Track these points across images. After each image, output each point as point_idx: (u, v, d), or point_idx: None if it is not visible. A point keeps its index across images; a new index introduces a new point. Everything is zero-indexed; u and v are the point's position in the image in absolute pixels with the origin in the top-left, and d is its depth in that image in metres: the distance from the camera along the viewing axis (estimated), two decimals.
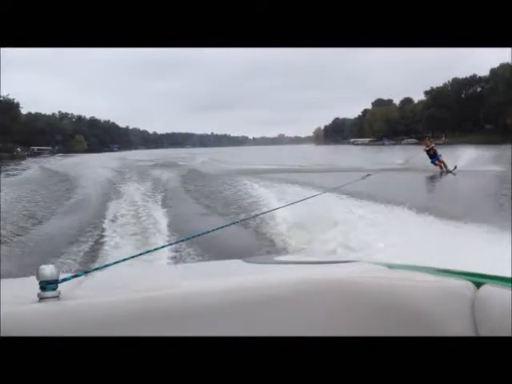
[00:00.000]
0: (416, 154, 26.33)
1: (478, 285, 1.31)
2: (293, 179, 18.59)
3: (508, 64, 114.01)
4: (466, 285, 1.33)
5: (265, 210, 11.55)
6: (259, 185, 16.82)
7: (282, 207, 7.30)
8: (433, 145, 22.94)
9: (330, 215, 8.65)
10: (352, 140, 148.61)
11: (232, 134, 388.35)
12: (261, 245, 8.27)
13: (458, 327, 1.27)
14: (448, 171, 21.36)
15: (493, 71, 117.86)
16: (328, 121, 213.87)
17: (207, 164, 36.46)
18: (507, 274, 1.37)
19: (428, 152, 22.60)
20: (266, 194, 14.06)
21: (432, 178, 20.33)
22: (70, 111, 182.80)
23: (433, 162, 22.31)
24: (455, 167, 21.33)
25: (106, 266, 1.70)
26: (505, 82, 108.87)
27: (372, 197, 11.34)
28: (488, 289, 1.27)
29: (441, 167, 21.89)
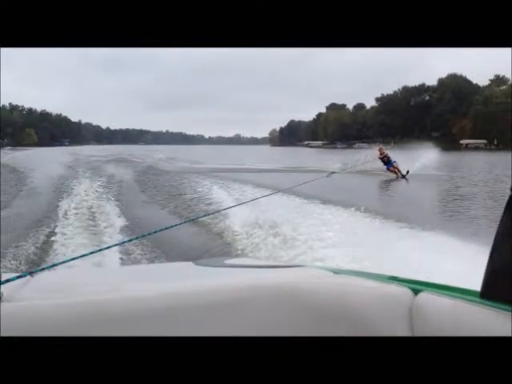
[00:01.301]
0: (359, 159, 27.61)
1: (417, 292, 1.34)
2: (241, 178, 19.63)
3: (455, 75, 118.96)
4: (404, 291, 1.37)
5: (208, 204, 12.51)
6: (208, 181, 17.87)
7: (235, 206, 7.56)
8: (386, 152, 24.09)
9: (278, 216, 8.93)
10: (306, 142, 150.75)
11: (188, 133, 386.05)
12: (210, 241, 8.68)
13: (395, 332, 1.32)
14: (403, 176, 22.58)
15: (440, 81, 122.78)
16: (284, 123, 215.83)
17: (165, 162, 36.80)
18: (445, 280, 1.46)
19: (382, 159, 23.79)
20: (213, 191, 14.98)
21: (380, 182, 21.51)
22: (20, 103, 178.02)
23: (388, 169, 23.44)
24: (407, 172, 22.69)
25: (54, 265, 1.70)
26: (451, 92, 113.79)
27: (319, 198, 11.93)
28: (425, 296, 1.31)
29: (395, 173, 23.00)
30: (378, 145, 25.39)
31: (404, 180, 22.06)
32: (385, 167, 23.64)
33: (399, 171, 22.90)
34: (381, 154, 23.92)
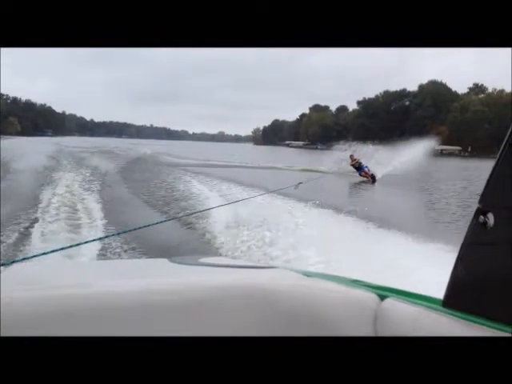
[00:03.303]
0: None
1: (383, 297, 1.40)
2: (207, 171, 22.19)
3: (435, 81, 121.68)
4: (371, 297, 1.42)
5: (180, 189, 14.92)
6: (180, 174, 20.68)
7: (220, 206, 7.87)
8: (357, 159, 26.33)
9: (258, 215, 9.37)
10: (287, 142, 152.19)
11: (172, 128, 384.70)
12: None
13: (359, 335, 1.36)
14: (373, 179, 24.85)
15: (421, 87, 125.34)
16: (268, 122, 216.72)
17: (152, 156, 38.80)
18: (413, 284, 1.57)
19: (353, 166, 26.09)
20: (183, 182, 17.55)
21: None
22: (4, 92, 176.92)
23: (360, 174, 25.67)
24: (373, 177, 25.03)
25: (26, 258, 1.73)
26: (430, 98, 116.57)
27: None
28: (390, 302, 1.36)
29: (367, 177, 25.25)
30: (352, 156, 27.35)
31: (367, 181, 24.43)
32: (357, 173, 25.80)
33: (369, 176, 25.05)
34: (352, 161, 26.11)
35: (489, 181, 1.11)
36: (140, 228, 2.65)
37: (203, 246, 8.51)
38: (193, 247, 8.41)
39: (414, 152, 30.44)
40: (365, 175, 25.34)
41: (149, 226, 2.76)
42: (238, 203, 8.41)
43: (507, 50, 1.22)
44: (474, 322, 1.11)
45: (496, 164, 1.09)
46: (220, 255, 7.35)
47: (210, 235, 9.03)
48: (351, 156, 26.95)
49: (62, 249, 1.95)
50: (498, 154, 1.09)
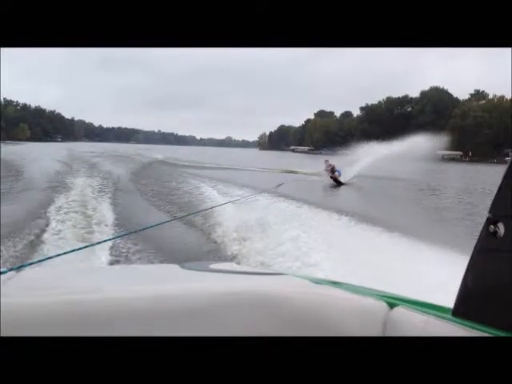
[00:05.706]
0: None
1: (392, 306, 1.39)
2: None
3: (437, 88, 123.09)
4: (380, 305, 1.42)
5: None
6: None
7: (215, 207, 8.21)
8: (332, 165, 28.57)
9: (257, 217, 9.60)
10: (292, 147, 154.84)
11: (179, 133, 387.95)
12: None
13: None
14: (340, 183, 27.42)
15: (423, 93, 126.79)
16: (274, 127, 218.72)
17: (164, 162, 40.67)
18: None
19: (327, 170, 28.66)
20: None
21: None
22: (15, 98, 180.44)
23: (332, 178, 28.27)
24: (337, 181, 27.68)
25: (39, 261, 1.78)
26: (432, 104, 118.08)
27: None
28: (400, 311, 1.36)
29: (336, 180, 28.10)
30: (326, 161, 29.50)
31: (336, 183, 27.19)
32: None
33: (338, 180, 27.70)
34: (328, 167, 28.62)
35: (499, 190, 1.09)
36: (147, 228, 2.77)
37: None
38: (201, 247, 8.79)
39: (404, 151, 31.27)
40: (334, 178, 27.85)
41: (156, 225, 2.83)
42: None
43: (509, 54, 1.19)
44: (484, 331, 1.11)
45: (506, 173, 1.07)
46: (231, 261, 7.46)
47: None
48: (326, 161, 29.28)
49: (67, 252, 1.98)
50: (509, 164, 1.08)
